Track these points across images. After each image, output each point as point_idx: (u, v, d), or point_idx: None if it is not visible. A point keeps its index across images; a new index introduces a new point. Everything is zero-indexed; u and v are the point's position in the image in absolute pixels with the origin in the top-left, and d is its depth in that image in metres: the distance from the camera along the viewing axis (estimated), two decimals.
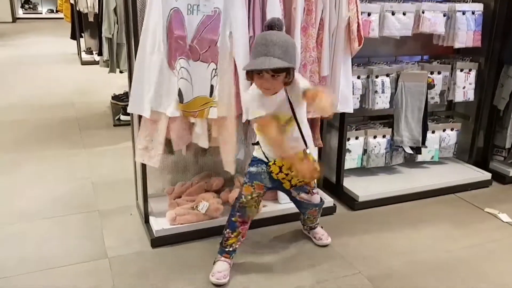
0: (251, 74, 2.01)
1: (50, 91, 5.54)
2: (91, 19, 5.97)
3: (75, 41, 7.27)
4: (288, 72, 1.95)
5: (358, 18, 2.49)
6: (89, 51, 7.29)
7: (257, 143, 2.20)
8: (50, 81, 6.06)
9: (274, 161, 2.15)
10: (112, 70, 4.02)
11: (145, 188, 2.51)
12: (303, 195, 2.31)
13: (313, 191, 2.34)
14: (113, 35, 3.87)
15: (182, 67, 2.18)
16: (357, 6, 2.47)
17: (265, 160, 2.19)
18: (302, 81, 2.04)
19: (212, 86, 2.26)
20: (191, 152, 2.79)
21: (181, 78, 2.20)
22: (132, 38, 2.31)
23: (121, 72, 4.20)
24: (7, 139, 3.96)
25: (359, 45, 2.52)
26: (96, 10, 4.85)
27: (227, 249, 2.21)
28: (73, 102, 5.10)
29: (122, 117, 4.40)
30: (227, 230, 2.21)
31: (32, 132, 4.15)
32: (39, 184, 3.15)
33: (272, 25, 1.96)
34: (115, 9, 3.80)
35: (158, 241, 2.44)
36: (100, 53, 4.06)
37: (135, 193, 2.81)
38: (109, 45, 3.88)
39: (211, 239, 2.47)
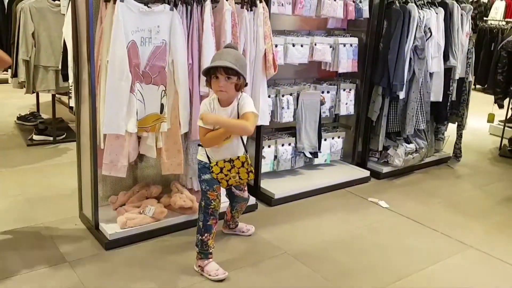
0: (209, 81, 2.34)
1: None
2: None
3: None
4: (239, 78, 2.33)
5: (273, 50, 3.11)
6: None
7: (201, 145, 2.49)
8: None
9: (217, 162, 2.46)
10: (28, 91, 4.09)
11: (96, 198, 2.79)
12: (237, 191, 2.77)
13: (245, 189, 2.82)
14: (30, 57, 3.96)
15: (138, 89, 2.57)
16: (271, 40, 3.09)
17: (208, 161, 2.49)
18: (248, 105, 2.41)
19: (162, 105, 2.67)
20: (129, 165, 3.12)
21: (137, 99, 2.58)
22: (86, 69, 2.59)
23: (33, 92, 4.28)
24: None
25: (274, 71, 3.14)
26: None
27: (210, 251, 2.53)
28: None
29: (35, 137, 4.45)
30: (205, 235, 2.49)
31: None
32: None
33: (228, 46, 2.39)
34: (33, 33, 3.92)
35: (112, 244, 2.73)
36: (15, 75, 4.10)
37: (78, 205, 3.04)
38: (26, 67, 3.97)
39: (159, 238, 2.86)
